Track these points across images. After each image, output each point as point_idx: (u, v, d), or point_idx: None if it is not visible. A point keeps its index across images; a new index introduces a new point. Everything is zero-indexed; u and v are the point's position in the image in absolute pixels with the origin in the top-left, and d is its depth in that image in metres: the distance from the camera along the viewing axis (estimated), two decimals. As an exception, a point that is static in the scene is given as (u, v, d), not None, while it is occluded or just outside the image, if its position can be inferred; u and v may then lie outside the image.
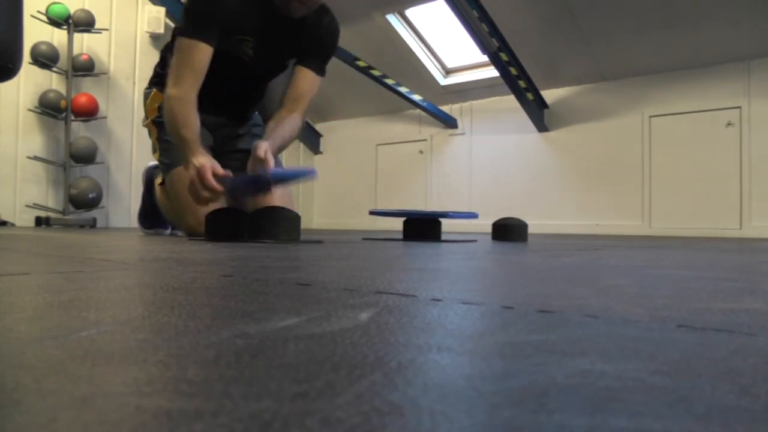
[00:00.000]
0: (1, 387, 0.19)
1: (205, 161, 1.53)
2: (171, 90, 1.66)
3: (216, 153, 1.97)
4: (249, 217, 1.51)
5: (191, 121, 1.63)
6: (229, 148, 2.02)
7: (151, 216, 2.27)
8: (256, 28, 1.74)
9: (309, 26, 1.77)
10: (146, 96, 2.10)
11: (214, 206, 1.63)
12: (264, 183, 1.52)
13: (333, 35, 1.85)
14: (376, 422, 0.16)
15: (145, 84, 2.14)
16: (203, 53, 1.66)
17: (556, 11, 3.91)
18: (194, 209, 1.71)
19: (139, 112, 4.87)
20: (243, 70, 1.85)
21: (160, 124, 1.90)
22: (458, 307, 0.39)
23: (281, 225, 1.48)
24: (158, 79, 2.00)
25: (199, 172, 1.50)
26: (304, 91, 1.81)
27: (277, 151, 1.73)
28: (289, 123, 1.76)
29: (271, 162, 1.56)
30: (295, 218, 1.52)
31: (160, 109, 1.91)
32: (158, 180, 2.08)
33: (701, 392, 0.20)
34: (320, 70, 1.84)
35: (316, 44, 1.81)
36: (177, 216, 1.92)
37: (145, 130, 2.11)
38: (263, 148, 1.57)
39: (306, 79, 1.81)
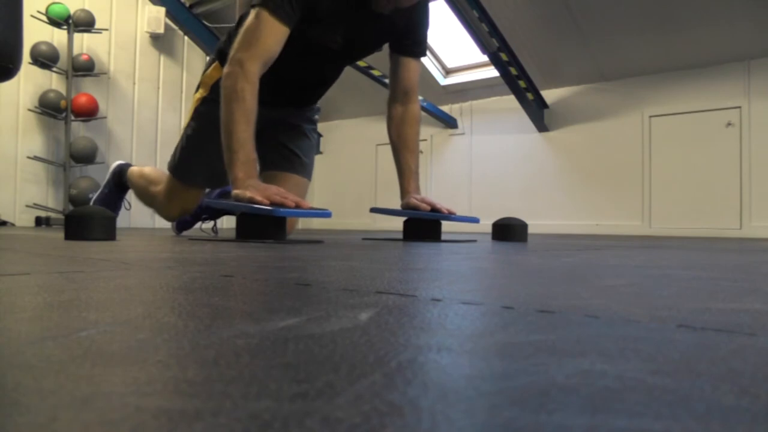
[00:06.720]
0: (1, 387, 0.19)
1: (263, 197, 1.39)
2: (231, 66, 1.46)
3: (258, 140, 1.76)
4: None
5: (248, 116, 1.44)
6: (271, 140, 1.89)
7: (111, 205, 2.21)
8: (346, 15, 1.61)
9: (405, 11, 1.64)
10: (208, 65, 1.91)
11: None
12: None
13: (425, 9, 1.74)
14: (376, 422, 0.16)
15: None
16: (279, 34, 1.49)
17: (556, 11, 3.91)
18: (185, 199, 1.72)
19: (139, 112, 4.87)
20: (329, 58, 1.74)
21: (208, 102, 1.77)
22: (458, 307, 0.39)
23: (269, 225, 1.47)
24: (223, 55, 1.75)
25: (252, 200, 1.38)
26: (413, 82, 1.79)
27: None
28: (410, 124, 1.79)
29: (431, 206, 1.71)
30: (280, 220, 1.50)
31: (213, 89, 1.74)
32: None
33: (701, 392, 0.20)
34: (421, 52, 1.78)
35: (413, 28, 1.72)
36: (162, 202, 1.93)
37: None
38: (426, 205, 1.70)
39: (411, 70, 1.78)
